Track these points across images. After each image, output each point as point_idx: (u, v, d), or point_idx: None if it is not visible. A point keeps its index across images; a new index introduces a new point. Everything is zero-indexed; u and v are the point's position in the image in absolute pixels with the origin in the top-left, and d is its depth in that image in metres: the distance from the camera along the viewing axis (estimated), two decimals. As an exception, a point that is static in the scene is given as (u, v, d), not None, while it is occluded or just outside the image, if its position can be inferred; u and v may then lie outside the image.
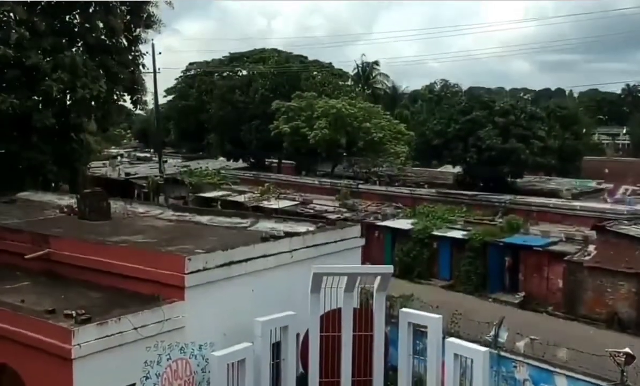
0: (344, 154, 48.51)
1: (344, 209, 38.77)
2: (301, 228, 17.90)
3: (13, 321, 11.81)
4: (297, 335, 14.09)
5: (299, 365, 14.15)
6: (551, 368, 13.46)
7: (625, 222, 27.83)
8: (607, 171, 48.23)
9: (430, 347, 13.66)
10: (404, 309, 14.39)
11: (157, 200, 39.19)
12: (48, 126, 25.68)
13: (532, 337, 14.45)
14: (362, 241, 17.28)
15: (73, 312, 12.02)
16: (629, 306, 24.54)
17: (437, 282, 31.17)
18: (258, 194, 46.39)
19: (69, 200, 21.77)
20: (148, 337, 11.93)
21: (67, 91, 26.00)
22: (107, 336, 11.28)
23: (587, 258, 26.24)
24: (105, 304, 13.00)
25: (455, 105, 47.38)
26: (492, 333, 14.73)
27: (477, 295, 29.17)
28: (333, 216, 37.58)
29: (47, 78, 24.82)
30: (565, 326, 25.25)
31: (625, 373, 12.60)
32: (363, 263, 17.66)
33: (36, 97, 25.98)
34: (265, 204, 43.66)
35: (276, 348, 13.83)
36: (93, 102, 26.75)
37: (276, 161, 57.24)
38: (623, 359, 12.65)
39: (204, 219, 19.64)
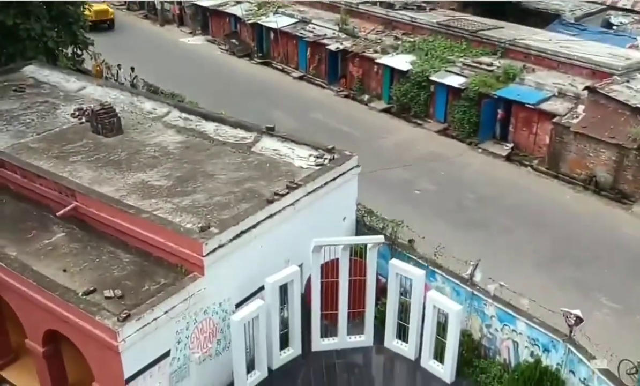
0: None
1: (344, 36, 38.63)
2: (302, 151, 19.22)
3: (64, 306, 14.05)
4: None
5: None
6: (514, 313, 16.09)
7: (619, 79, 28.46)
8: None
9: (414, 297, 16.12)
10: (393, 261, 16.50)
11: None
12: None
13: (502, 283, 16.69)
14: (359, 169, 18.72)
15: (112, 293, 14.31)
16: (607, 172, 26.49)
17: (432, 125, 32.71)
18: (255, 7, 45.40)
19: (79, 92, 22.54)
20: (177, 314, 14.28)
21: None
22: (145, 325, 13.60)
23: (574, 121, 27.48)
24: (136, 273, 15.14)
25: None
26: (469, 272, 16.99)
27: (468, 143, 31.02)
28: (332, 46, 37.83)
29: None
30: (546, 186, 27.54)
31: (573, 332, 15.19)
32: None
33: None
34: (264, 20, 43.09)
35: (284, 292, 16.30)
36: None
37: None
38: (573, 320, 15.13)
39: (210, 128, 20.79)
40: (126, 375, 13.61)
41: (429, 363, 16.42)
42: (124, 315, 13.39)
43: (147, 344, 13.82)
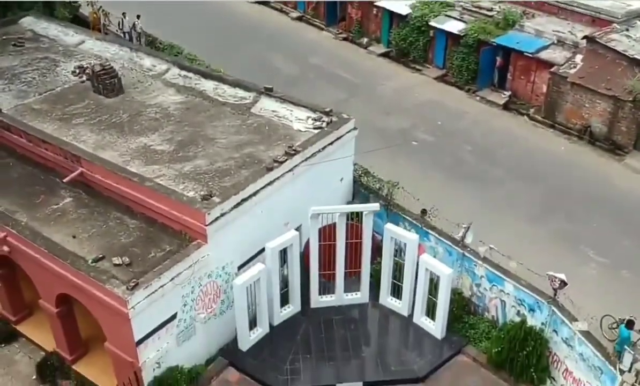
0: None
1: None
2: (300, 113, 19.57)
3: (75, 274, 14.83)
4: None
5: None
6: (502, 275, 16.87)
7: (618, 28, 28.31)
8: None
9: (407, 260, 16.90)
10: (388, 225, 17.16)
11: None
12: None
13: (491, 246, 17.37)
14: (356, 132, 19.13)
15: (120, 260, 15.07)
16: (602, 123, 26.79)
17: (430, 72, 32.69)
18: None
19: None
20: (183, 280, 15.07)
21: None
22: (152, 292, 14.42)
23: (572, 71, 27.55)
24: (142, 240, 15.86)
25: None
26: (461, 234, 17.67)
27: (466, 90, 31.10)
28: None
29: None
30: (541, 136, 27.87)
31: (557, 295, 16.00)
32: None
33: None
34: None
35: (284, 253, 17.06)
36: None
37: None
38: (558, 283, 15.91)
39: (209, 87, 21.04)
40: (136, 338, 14.56)
41: (421, 320, 17.39)
42: (133, 284, 14.19)
43: (155, 309, 14.70)
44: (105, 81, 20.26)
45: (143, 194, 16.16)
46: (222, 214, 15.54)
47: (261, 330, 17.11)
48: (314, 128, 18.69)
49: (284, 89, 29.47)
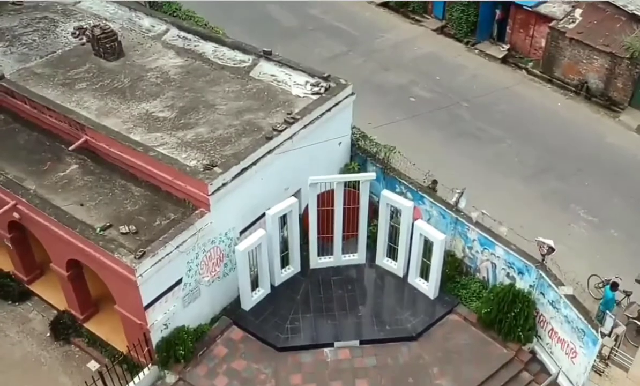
0: None
1: None
2: (299, 77, 19.81)
3: (84, 242, 15.51)
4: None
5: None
6: (493, 240, 17.54)
7: (619, -20, 28.11)
8: None
9: (402, 225, 17.55)
10: (385, 193, 17.72)
11: None
12: None
13: (483, 211, 17.95)
14: (354, 97, 19.42)
15: (127, 228, 15.72)
16: (599, 79, 27.01)
17: (430, 23, 32.56)
18: None
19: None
20: (187, 247, 15.75)
21: None
22: (159, 260, 15.12)
23: (570, 26, 27.53)
24: (148, 208, 16.46)
25: None
26: (454, 199, 18.23)
27: (465, 43, 31.12)
28: None
29: None
30: (538, 92, 28.12)
31: (545, 260, 16.68)
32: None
33: None
34: None
35: (283, 218, 17.70)
36: None
37: None
38: (546, 249, 16.56)
39: (208, 50, 21.19)
40: (144, 303, 15.36)
41: (415, 281, 18.20)
42: (140, 253, 14.88)
43: (162, 275, 15.44)
44: (106, 45, 20.41)
45: (147, 163, 16.66)
46: (224, 184, 16.09)
47: (263, 291, 17.94)
48: (312, 94, 19.00)
49: (282, 41, 29.85)
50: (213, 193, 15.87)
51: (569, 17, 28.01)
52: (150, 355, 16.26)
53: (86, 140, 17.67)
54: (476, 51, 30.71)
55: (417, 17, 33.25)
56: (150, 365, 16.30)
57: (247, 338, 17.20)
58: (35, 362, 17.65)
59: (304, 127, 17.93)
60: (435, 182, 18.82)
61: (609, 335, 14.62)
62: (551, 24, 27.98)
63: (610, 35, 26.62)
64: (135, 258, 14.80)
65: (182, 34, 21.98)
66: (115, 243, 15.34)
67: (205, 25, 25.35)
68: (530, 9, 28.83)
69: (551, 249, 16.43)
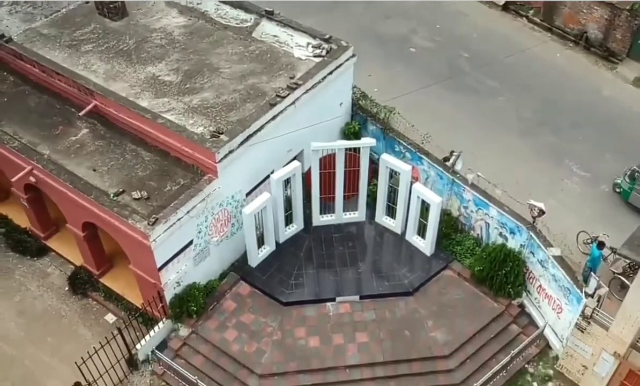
0: None
1: None
2: (301, 38, 20.14)
3: (99, 208, 16.35)
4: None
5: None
6: (487, 201, 18.34)
7: None
8: None
9: (401, 187, 18.35)
10: (384, 156, 18.42)
11: None
12: None
13: (479, 174, 18.64)
14: (354, 59, 19.82)
15: (139, 194, 16.54)
16: (598, 29, 27.13)
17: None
18: None
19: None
20: (197, 212, 16.61)
21: None
22: (171, 226, 16.01)
23: (573, -25, 27.46)
24: (158, 173, 17.21)
25: None
26: (451, 161, 18.93)
27: (468, -12, 31.00)
28: None
29: None
30: (538, 42, 28.23)
31: (535, 222, 17.53)
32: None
33: None
34: None
35: (286, 181, 18.48)
36: None
37: None
38: (537, 212, 17.38)
39: (211, 7, 21.40)
40: (158, 265, 16.39)
41: (413, 238, 19.18)
42: (153, 219, 15.77)
43: (174, 238, 16.40)
44: (110, 5, 20.63)
45: (156, 130, 17.31)
46: (231, 152, 16.80)
47: (268, 248, 18.95)
48: (314, 56, 19.40)
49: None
50: (220, 161, 16.61)
51: (571, -36, 27.89)
52: (164, 310, 17.44)
53: (95, 105, 18.25)
54: (478, -2, 30.69)
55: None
56: (164, 319, 17.51)
57: (255, 293, 18.34)
58: (56, 315, 18.85)
59: (306, 91, 18.47)
60: (446, 159, 19.37)
61: (592, 296, 15.67)
62: (553, -27, 27.92)
63: (611, -15, 26.63)
64: (148, 224, 15.70)
65: (186, -9, 22.16)
66: (129, 209, 16.20)
67: None
68: (533, -45, 28.67)
69: (542, 212, 17.30)
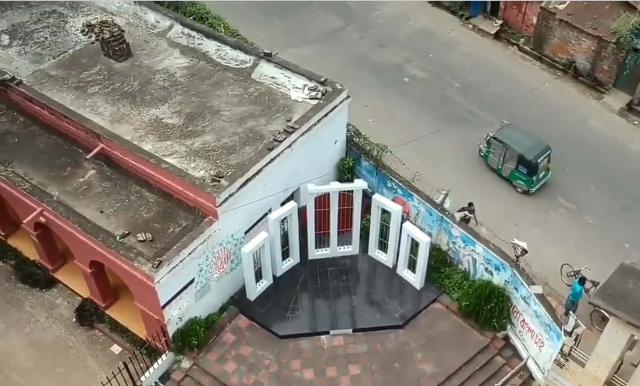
0: None
1: None
2: (297, 80, 21.07)
3: (106, 250, 17.33)
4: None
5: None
6: (474, 239, 19.30)
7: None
8: None
9: (392, 226, 19.34)
10: (376, 197, 19.41)
11: None
12: None
13: (466, 213, 19.62)
14: (349, 100, 20.77)
15: (144, 236, 17.52)
16: (586, 59, 28.08)
17: (428, -10, 33.22)
18: None
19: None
20: (198, 253, 17.59)
21: None
22: (174, 267, 16.99)
23: (561, 6, 28.36)
24: (161, 215, 18.20)
25: None
26: (440, 199, 19.91)
27: (460, 16, 31.89)
28: None
29: None
30: (528, 71, 29.17)
31: (518, 261, 18.50)
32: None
33: None
34: None
35: (283, 222, 19.47)
36: None
37: None
38: (520, 251, 18.36)
39: (211, 48, 22.33)
40: (162, 303, 17.37)
41: (404, 272, 20.15)
42: (157, 262, 16.75)
43: (176, 278, 17.37)
44: (115, 47, 21.58)
45: (160, 174, 18.28)
46: (230, 195, 17.77)
47: (266, 282, 19.92)
48: (310, 99, 20.34)
49: (282, 15, 30.72)
50: (220, 204, 17.59)
51: (560, -4, 28.84)
52: (167, 343, 18.42)
53: (102, 148, 19.22)
54: (470, 26, 31.54)
55: (415, -15, 33.89)
56: (167, 352, 18.50)
57: (253, 326, 19.31)
58: (65, 346, 19.85)
59: (302, 134, 19.43)
60: (466, 207, 20.80)
61: (570, 334, 16.64)
62: (542, 5, 28.78)
63: (598, 18, 27.51)
64: (153, 266, 16.68)
65: (186, 30, 23.05)
66: (135, 251, 17.18)
67: (233, 34, 25.74)
68: (523, -13, 29.60)
69: (524, 251, 18.28)
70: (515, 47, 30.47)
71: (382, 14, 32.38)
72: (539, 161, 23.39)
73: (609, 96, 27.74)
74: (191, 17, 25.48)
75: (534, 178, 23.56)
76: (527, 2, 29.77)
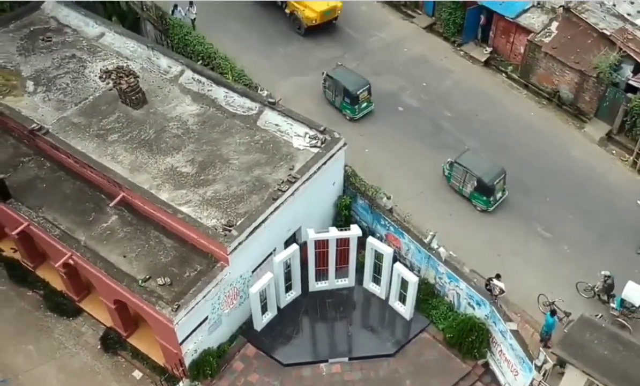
0: None
1: None
2: (299, 128, 23.07)
3: (129, 293, 19.52)
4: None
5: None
6: (458, 276, 21.46)
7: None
8: None
9: (384, 265, 21.51)
10: (370, 239, 21.57)
11: None
12: None
13: (451, 252, 21.72)
14: (346, 147, 22.79)
15: (163, 281, 19.70)
16: (569, 90, 29.95)
17: (421, 20, 34.91)
18: None
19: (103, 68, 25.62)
20: (211, 294, 19.77)
21: None
22: (190, 309, 19.20)
23: (547, 39, 30.16)
24: (178, 259, 20.35)
25: None
26: (428, 240, 22.04)
27: (452, 42, 33.68)
28: None
29: None
30: (515, 99, 31.04)
31: (496, 299, 20.67)
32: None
33: None
34: None
35: (285, 265, 21.65)
36: None
37: None
38: (498, 291, 20.53)
39: (220, 96, 24.29)
40: (179, 340, 19.64)
41: (395, 304, 22.38)
42: (176, 307, 18.96)
43: (192, 318, 19.63)
44: (132, 97, 23.55)
45: (176, 222, 20.44)
46: (240, 243, 19.93)
47: (271, 314, 22.17)
48: (311, 147, 22.37)
49: (283, 42, 32.58)
50: (231, 252, 19.74)
51: (546, 30, 30.55)
52: (184, 372, 20.72)
53: (123, 196, 21.32)
54: (461, 53, 33.34)
55: (409, 11, 35.58)
56: (184, 379, 20.81)
57: (260, 355, 21.60)
58: (91, 372, 22.16)
59: (304, 182, 21.50)
60: (493, 278, 21.73)
61: (539, 369, 18.86)
62: (529, 37, 30.59)
63: (581, 52, 29.31)
64: (172, 310, 18.91)
65: (196, 76, 24.98)
66: (155, 295, 19.39)
67: (239, 75, 27.33)
68: (511, 19, 31.30)
69: (502, 291, 20.48)
70: (503, 74, 32.33)
71: (379, 40, 34.11)
72: (495, 183, 25.34)
73: (590, 126, 29.65)
74: (199, 56, 27.38)
75: (491, 199, 25.54)
76: (515, 33, 31.63)
